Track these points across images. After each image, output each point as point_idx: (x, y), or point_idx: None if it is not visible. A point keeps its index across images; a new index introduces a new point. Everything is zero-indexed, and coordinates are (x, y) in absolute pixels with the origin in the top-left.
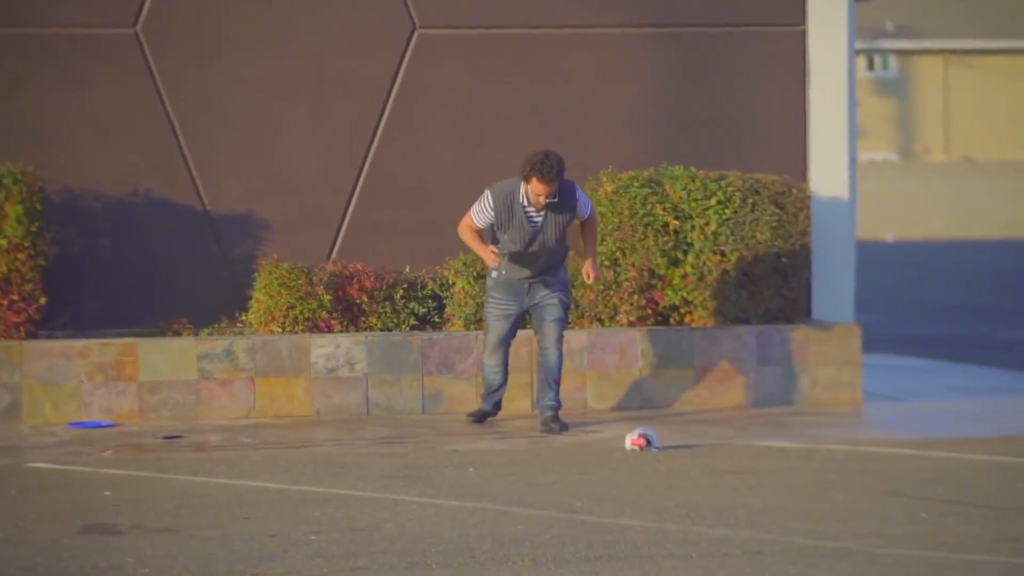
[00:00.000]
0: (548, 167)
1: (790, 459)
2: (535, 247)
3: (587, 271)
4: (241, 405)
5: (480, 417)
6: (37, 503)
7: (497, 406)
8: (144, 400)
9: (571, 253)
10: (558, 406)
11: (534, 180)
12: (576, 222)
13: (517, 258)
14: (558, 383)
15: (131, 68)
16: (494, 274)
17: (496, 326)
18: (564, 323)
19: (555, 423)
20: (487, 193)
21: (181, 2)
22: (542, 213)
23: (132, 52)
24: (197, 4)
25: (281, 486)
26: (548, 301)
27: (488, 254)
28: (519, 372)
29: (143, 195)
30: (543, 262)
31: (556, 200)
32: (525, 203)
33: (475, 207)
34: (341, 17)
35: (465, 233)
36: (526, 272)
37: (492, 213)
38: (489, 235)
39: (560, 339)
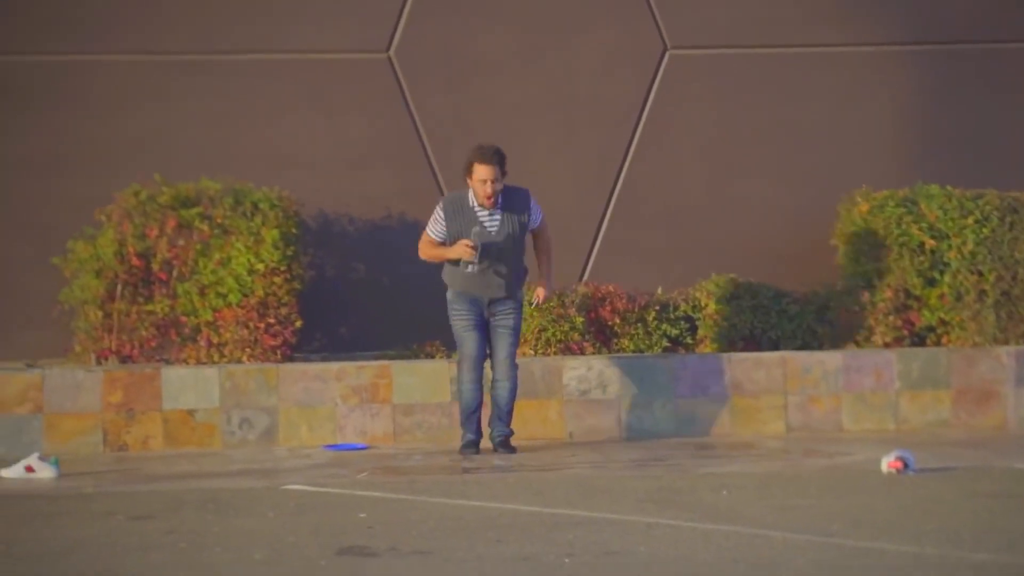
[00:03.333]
0: (484, 149)
1: None
2: (493, 254)
3: (538, 292)
4: None
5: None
6: (294, 525)
7: (479, 432)
8: (398, 422)
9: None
10: (510, 434)
11: (475, 166)
12: (530, 236)
13: (484, 255)
14: (510, 415)
15: (384, 92)
16: (469, 268)
17: (467, 337)
18: (516, 348)
19: (504, 447)
20: (438, 205)
21: (433, 27)
22: (496, 217)
23: (385, 77)
24: (448, 28)
25: (534, 509)
26: (502, 324)
27: (460, 247)
28: (773, 394)
29: (396, 218)
30: (504, 277)
31: (501, 186)
32: (475, 206)
33: (428, 223)
34: (591, 39)
35: (425, 249)
36: (484, 289)
37: (443, 219)
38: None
39: (512, 369)
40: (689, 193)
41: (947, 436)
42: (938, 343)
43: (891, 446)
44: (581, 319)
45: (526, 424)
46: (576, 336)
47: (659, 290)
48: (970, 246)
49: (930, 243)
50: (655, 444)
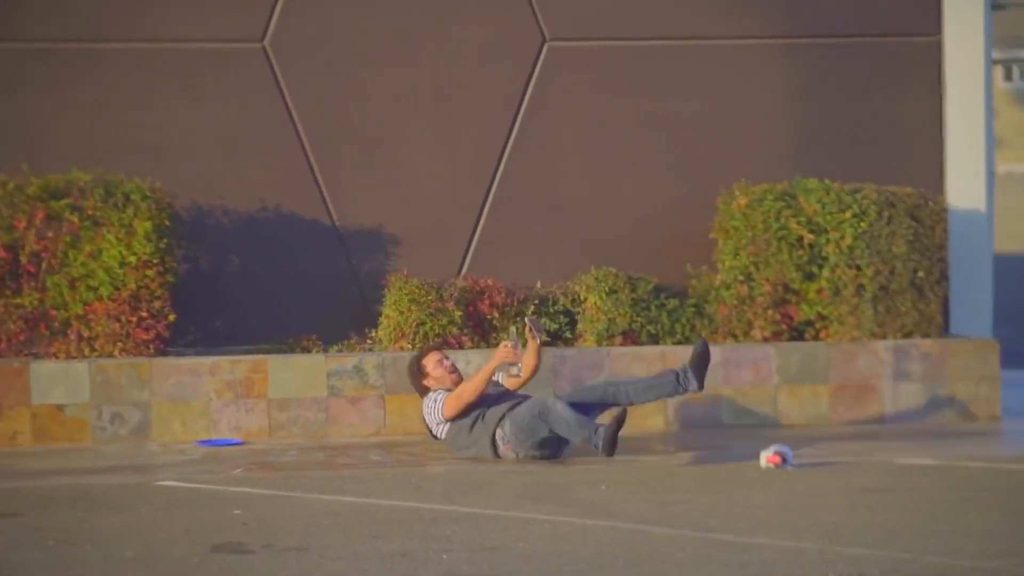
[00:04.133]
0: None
1: (928, 476)
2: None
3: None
4: (371, 423)
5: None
6: (166, 521)
7: None
8: (273, 417)
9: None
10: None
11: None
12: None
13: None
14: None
15: (259, 82)
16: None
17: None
18: None
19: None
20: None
21: (308, 16)
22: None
23: (260, 67)
24: (324, 18)
25: (411, 504)
26: None
27: (501, 351)
28: None
29: (272, 210)
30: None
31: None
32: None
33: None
34: (470, 30)
35: (476, 383)
36: None
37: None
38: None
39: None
40: (568, 186)
41: (825, 430)
42: (816, 337)
43: (769, 441)
44: (459, 313)
45: (404, 419)
46: (454, 330)
47: (538, 284)
48: (848, 240)
49: (808, 237)
50: None
